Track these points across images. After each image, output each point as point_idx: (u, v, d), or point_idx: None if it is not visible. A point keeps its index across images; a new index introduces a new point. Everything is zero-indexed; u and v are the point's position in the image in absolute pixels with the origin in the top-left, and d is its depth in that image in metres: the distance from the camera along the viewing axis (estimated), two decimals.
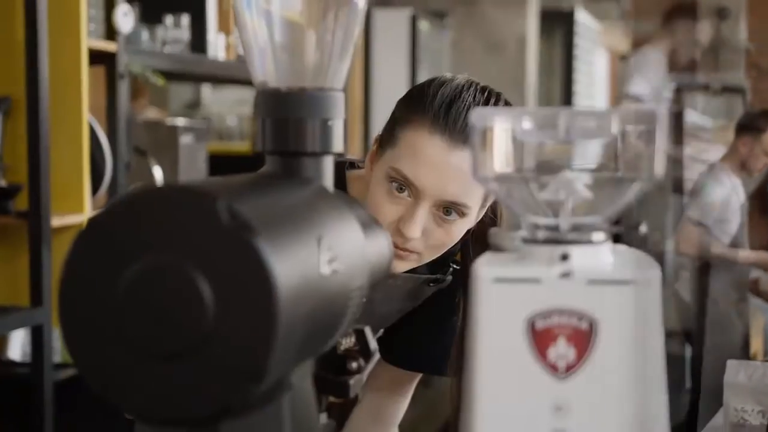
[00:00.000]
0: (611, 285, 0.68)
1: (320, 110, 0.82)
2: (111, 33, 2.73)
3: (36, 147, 2.42)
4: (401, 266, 1.33)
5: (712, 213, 4.32)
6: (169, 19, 3.12)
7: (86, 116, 2.57)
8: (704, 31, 4.60)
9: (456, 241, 1.34)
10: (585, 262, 0.69)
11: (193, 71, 3.29)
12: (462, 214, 1.29)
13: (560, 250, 0.70)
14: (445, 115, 1.27)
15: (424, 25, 5.38)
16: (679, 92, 4.65)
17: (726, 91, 8.67)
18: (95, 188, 2.66)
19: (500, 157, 0.72)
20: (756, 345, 4.59)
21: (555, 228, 0.72)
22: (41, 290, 2.39)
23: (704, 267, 4.56)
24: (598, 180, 0.71)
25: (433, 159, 1.26)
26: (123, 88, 2.75)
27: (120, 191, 2.75)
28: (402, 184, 1.28)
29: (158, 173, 3.03)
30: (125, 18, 2.70)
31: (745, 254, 4.60)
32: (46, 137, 2.43)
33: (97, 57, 2.70)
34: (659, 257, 4.42)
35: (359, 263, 0.78)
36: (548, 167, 0.73)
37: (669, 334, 4.10)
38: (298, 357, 0.70)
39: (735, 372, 1.87)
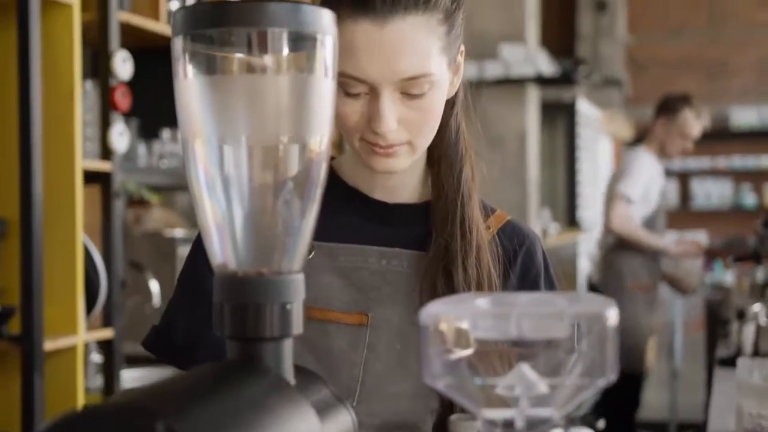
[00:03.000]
0: None
1: (279, 295, 0.81)
2: (107, 151, 2.75)
3: (29, 270, 2.42)
4: (397, 163, 1.22)
5: (639, 190, 4.37)
6: (166, 133, 3.15)
7: (80, 237, 2.57)
8: (688, 122, 4.61)
9: (439, 113, 1.22)
10: None
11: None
12: (430, 84, 1.18)
13: None
14: None
15: None
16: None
17: (607, 83, 8.80)
18: (89, 308, 2.65)
19: (453, 353, 0.71)
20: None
21: (510, 424, 0.70)
22: (33, 417, 2.37)
23: (615, 248, 4.52)
24: (554, 378, 0.70)
25: (367, 44, 1.14)
26: (118, 207, 2.76)
27: (115, 310, 2.75)
28: (351, 85, 1.17)
29: (155, 288, 3.02)
30: (120, 137, 2.72)
31: (670, 242, 4.55)
32: (40, 260, 2.44)
33: (92, 176, 2.72)
34: None
35: None
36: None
37: None
38: None
39: (747, 371, 1.69)
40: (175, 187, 3.31)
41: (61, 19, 2.51)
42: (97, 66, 2.79)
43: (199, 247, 1.35)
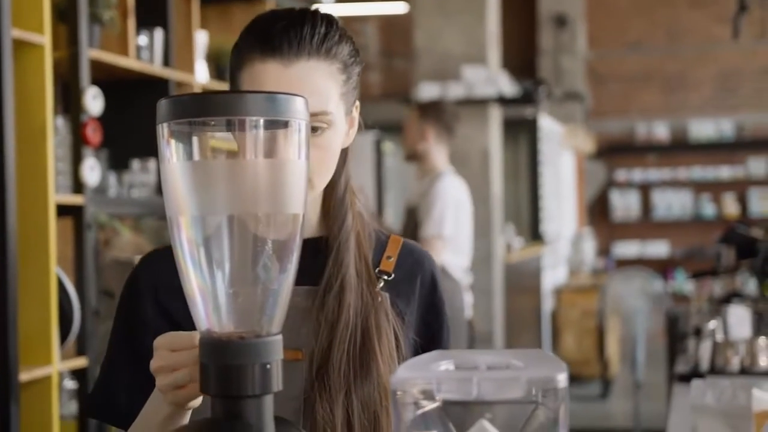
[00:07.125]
0: None
1: (259, 356, 0.89)
2: (78, 185, 2.80)
3: (4, 302, 2.47)
4: None
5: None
6: (135, 164, 3.21)
7: (54, 269, 2.62)
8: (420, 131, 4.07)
9: (336, 154, 1.28)
10: None
11: (161, 213, 3.37)
12: (328, 123, 1.25)
13: None
14: (270, 37, 1.24)
15: (388, 146, 5.53)
16: None
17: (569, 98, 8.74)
18: (63, 337, 2.70)
19: (420, 412, 0.79)
20: None
21: None
22: None
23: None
24: None
25: (275, 82, 1.22)
26: (90, 239, 2.82)
27: (88, 339, 2.80)
28: None
29: None
30: (92, 172, 2.78)
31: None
32: (15, 292, 2.49)
33: (65, 209, 2.77)
34: None
35: None
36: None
37: None
38: None
39: (701, 393, 1.77)
40: (145, 215, 3.37)
41: (33, 58, 2.57)
42: (68, 101, 2.84)
43: (132, 303, 1.31)
